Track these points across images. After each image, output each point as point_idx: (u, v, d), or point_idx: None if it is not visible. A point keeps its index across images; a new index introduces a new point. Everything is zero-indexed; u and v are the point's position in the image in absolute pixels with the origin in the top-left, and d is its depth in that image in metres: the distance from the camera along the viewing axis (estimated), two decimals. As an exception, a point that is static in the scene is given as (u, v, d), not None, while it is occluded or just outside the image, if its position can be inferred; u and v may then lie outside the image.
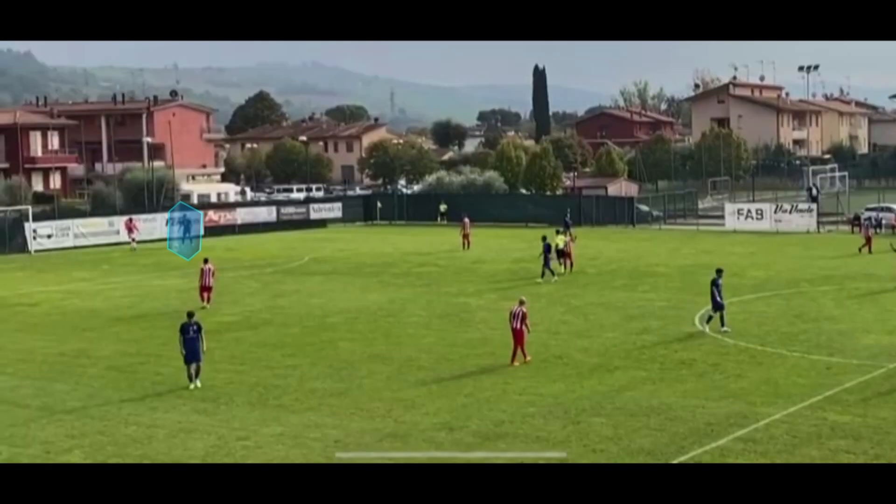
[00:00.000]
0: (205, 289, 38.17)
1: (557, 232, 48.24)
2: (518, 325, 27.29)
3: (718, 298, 31.35)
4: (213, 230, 70.02)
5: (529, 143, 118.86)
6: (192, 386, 25.07)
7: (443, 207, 77.33)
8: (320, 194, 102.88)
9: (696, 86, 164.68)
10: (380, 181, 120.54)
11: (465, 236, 58.24)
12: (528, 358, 27.32)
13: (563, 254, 45.84)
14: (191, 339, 25.30)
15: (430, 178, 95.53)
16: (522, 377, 25.78)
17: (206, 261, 38.88)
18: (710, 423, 21.27)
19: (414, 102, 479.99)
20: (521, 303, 27.96)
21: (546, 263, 43.69)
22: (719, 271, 32.31)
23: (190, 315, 26.09)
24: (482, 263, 50.39)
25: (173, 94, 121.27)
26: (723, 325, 31.14)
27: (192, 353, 25.28)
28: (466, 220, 59.72)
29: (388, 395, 24.23)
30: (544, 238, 44.68)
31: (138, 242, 62.69)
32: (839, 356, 27.63)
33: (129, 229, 63.44)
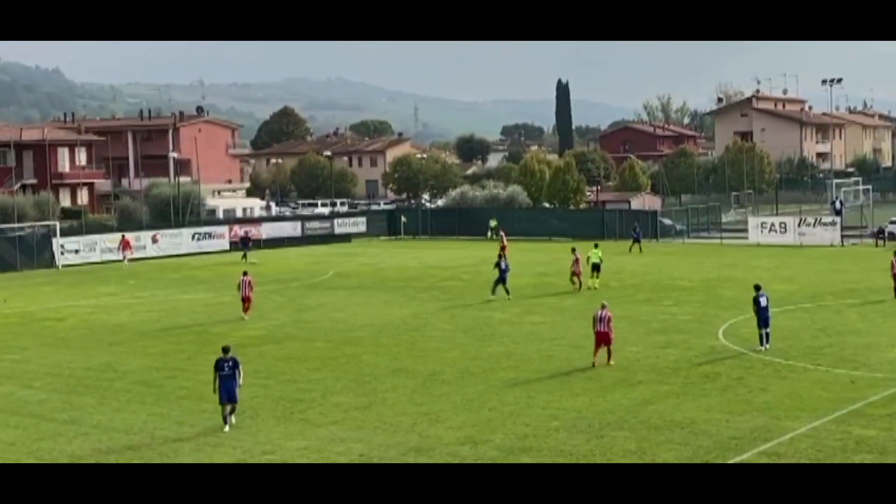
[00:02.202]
0: (244, 299, 39.26)
1: (595, 245, 48.23)
2: (605, 328, 28.52)
3: (766, 315, 30.58)
4: (239, 245, 70.30)
5: (553, 157, 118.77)
6: (226, 428, 22.76)
7: (493, 223, 76.99)
8: (345, 209, 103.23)
9: (720, 99, 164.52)
10: (404, 195, 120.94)
11: (503, 248, 59.13)
12: (596, 361, 28.62)
13: (596, 267, 46.11)
14: (226, 377, 22.89)
15: (454, 193, 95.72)
16: (546, 391, 25.84)
17: (245, 273, 40.32)
18: (734, 437, 21.27)
19: (437, 117, 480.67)
20: (604, 306, 29.13)
21: (502, 279, 43.32)
22: (757, 287, 31.48)
23: (225, 350, 23.54)
24: (506, 278, 50.36)
25: (199, 109, 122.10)
26: (762, 342, 30.54)
27: (228, 394, 22.84)
28: (502, 233, 64.65)
29: (411, 410, 24.33)
30: (501, 252, 45.23)
31: (130, 260, 62.37)
32: (864, 370, 27.53)
33: (124, 247, 63.24)
